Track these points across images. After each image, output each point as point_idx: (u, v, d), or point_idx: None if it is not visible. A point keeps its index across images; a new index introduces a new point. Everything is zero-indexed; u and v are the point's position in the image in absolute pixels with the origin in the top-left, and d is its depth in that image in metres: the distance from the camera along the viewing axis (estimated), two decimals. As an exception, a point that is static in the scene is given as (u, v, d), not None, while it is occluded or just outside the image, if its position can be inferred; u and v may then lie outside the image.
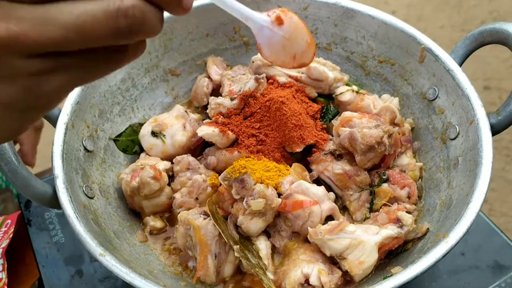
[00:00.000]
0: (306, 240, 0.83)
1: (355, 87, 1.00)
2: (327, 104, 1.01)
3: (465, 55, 0.93)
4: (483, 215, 1.04)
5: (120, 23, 0.39)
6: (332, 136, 0.95)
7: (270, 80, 1.01)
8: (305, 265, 0.78)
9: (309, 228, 0.80)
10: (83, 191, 0.85)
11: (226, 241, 0.79)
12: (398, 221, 0.82)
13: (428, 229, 0.83)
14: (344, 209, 0.91)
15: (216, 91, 1.06)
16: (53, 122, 0.87)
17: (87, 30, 0.38)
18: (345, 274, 0.79)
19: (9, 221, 1.02)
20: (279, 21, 0.62)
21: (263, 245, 0.83)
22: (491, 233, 1.02)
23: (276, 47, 0.63)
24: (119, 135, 1.00)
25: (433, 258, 0.69)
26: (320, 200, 0.83)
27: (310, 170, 0.93)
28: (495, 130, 0.84)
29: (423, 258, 0.70)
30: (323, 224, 0.82)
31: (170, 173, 0.94)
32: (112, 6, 0.38)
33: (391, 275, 0.71)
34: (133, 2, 0.39)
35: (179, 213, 0.86)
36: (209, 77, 1.07)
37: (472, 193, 0.76)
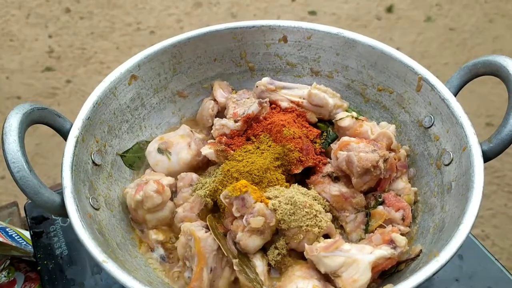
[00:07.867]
0: (302, 257, 0.85)
1: (354, 113, 1.04)
2: (327, 129, 1.05)
3: (460, 85, 0.98)
4: (477, 242, 1.06)
5: None
6: (331, 159, 0.98)
7: (273, 105, 1.06)
8: (300, 281, 0.81)
9: (305, 245, 0.83)
10: (90, 202, 0.88)
11: (226, 254, 0.82)
12: (392, 242, 0.84)
13: (421, 250, 0.85)
14: (340, 228, 0.94)
15: (221, 113, 1.11)
16: (64, 135, 0.91)
17: None
18: (339, 291, 0.81)
19: None
20: None
21: (259, 262, 0.86)
22: (485, 260, 1.04)
23: None
24: (126, 151, 1.05)
25: (424, 276, 0.72)
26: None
27: (308, 191, 0.95)
28: (487, 157, 0.88)
29: (414, 275, 0.72)
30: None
31: (174, 189, 0.97)
32: None
33: (383, 292, 0.73)
34: None
35: (180, 227, 0.89)
36: (214, 100, 1.12)
37: (463, 215, 0.78)
